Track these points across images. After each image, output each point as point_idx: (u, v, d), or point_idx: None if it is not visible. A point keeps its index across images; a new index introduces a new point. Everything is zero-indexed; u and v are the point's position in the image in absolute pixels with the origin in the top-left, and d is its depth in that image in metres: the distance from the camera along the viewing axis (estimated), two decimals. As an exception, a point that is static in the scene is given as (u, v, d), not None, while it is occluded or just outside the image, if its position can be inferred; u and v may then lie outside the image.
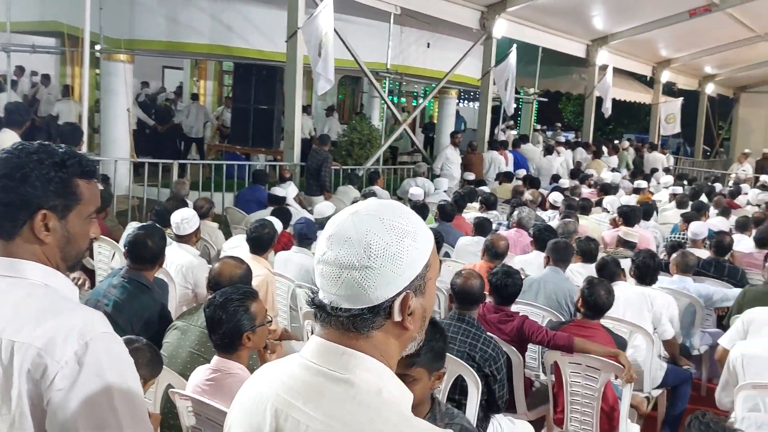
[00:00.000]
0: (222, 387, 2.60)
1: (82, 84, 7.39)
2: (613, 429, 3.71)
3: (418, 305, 1.22)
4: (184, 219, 4.75)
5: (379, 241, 1.16)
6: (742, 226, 7.53)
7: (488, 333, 3.56)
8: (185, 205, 5.60)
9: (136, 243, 3.58)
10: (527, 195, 8.86)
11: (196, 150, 13.44)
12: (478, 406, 3.28)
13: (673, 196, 10.05)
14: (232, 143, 11.85)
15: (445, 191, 9.89)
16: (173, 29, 11.12)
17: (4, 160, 1.45)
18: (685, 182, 13.10)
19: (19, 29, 12.25)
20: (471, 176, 11.21)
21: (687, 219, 7.39)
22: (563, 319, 4.35)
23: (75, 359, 1.36)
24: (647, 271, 4.70)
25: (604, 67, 15.83)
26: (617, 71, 16.62)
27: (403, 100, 18.91)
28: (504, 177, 11.08)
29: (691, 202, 9.04)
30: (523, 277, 4.41)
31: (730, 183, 14.36)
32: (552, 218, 7.66)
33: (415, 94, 21.16)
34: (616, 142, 18.45)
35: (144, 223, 4.40)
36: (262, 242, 4.62)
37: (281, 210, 6.40)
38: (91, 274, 5.12)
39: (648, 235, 7.02)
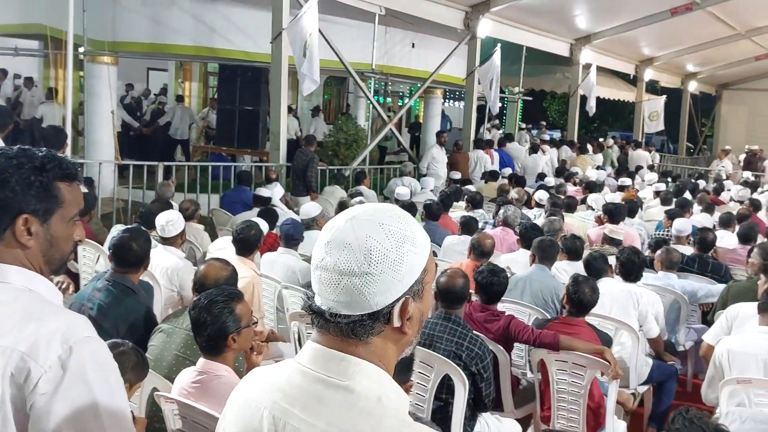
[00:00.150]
0: (208, 389, 2.59)
1: (66, 86, 7.34)
2: (599, 425, 3.73)
3: (416, 310, 1.21)
4: (169, 221, 4.72)
5: (379, 246, 1.15)
6: (726, 222, 7.59)
7: (474, 332, 3.57)
8: (170, 207, 5.58)
9: (121, 246, 3.56)
10: (513, 193, 8.89)
11: (181, 152, 13.39)
12: (465, 405, 3.30)
13: (657, 193, 10.13)
14: (218, 144, 11.82)
15: (431, 190, 9.90)
16: (157, 31, 11.06)
17: None
18: (669, 179, 13.19)
19: (2, 32, 12.15)
20: (457, 175, 11.25)
21: (671, 216, 7.45)
22: (549, 317, 4.38)
23: (59, 363, 1.35)
24: (632, 267, 4.74)
25: (587, 66, 15.92)
26: (601, 70, 16.73)
27: (389, 100, 18.92)
28: (490, 176, 11.13)
29: (675, 199, 9.11)
30: (509, 275, 4.43)
31: (713, 179, 14.49)
32: (538, 216, 7.70)
33: (400, 93, 21.17)
34: (601, 140, 18.57)
35: (129, 226, 4.38)
36: (248, 244, 4.61)
37: (267, 211, 6.38)
38: (75, 277, 5.09)
39: (633, 232, 7.07)
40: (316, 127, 14.74)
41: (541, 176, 11.68)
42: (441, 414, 3.40)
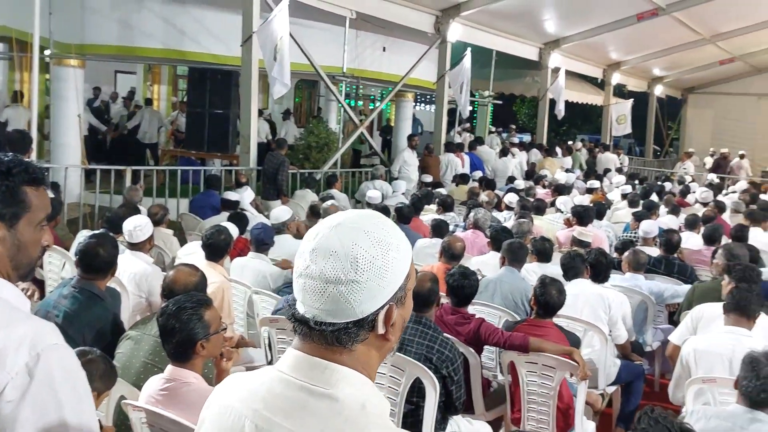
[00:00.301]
0: (176, 397, 2.56)
1: (32, 90, 7.20)
2: (569, 426, 3.77)
3: (398, 316, 1.22)
4: (137, 226, 4.66)
5: (366, 254, 1.15)
6: (691, 224, 7.74)
7: (445, 334, 3.59)
8: (138, 212, 5.50)
9: (88, 252, 3.50)
10: (483, 196, 8.95)
11: (150, 156, 13.23)
12: (436, 408, 3.31)
13: (624, 195, 10.27)
14: (187, 148, 11.69)
15: (403, 194, 9.92)
16: (126, 34, 10.94)
17: None
18: (636, 182, 13.39)
19: (-35, 35, 11.87)
20: (428, 178, 11.29)
21: (638, 218, 7.56)
22: (519, 319, 4.41)
23: (26, 370, 1.34)
24: (600, 268, 4.81)
25: (556, 70, 16.10)
26: (569, 74, 16.93)
27: (360, 103, 18.93)
28: (460, 179, 11.19)
29: (642, 201, 9.25)
30: (479, 277, 4.46)
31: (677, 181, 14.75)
32: (508, 219, 7.76)
33: (372, 97, 21.20)
34: (570, 143, 18.77)
35: (95, 231, 4.32)
36: (218, 248, 4.57)
37: (237, 215, 6.34)
38: (40, 284, 4.99)
39: (601, 234, 7.16)
40: (287, 131, 14.68)
41: (511, 179, 11.79)
42: (412, 417, 3.41)
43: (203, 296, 2.86)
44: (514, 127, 21.09)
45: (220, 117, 10.93)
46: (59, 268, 5.08)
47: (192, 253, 5.10)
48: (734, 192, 12.80)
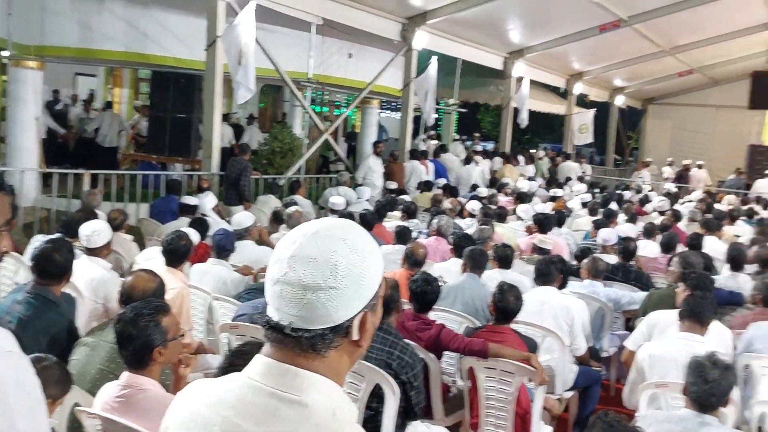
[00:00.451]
0: (133, 404, 2.53)
1: (-13, 91, 7.05)
2: (526, 431, 3.82)
3: (370, 323, 1.23)
4: (95, 231, 4.59)
5: (345, 261, 1.17)
6: (649, 232, 7.90)
7: (405, 340, 3.60)
8: (95, 216, 5.42)
9: (43, 257, 3.45)
10: (446, 203, 9.02)
11: (109, 160, 12.99)
12: (395, 414, 3.32)
13: (584, 204, 10.44)
14: (148, 152, 11.54)
15: (367, 200, 9.93)
16: (86, 36, 10.74)
17: None
18: (597, 190, 13.61)
19: None
20: (393, 185, 11.32)
21: (597, 226, 7.69)
22: (480, 325, 4.45)
23: None
24: (546, 270, 4.88)
25: (520, 79, 16.28)
26: (533, 83, 17.15)
27: (326, 109, 18.89)
28: (424, 186, 11.26)
29: (601, 210, 9.41)
30: (441, 284, 4.49)
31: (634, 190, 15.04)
32: (470, 226, 7.83)
33: (337, 103, 21.19)
34: (533, 151, 19.00)
35: (51, 236, 4.24)
36: (178, 254, 4.52)
37: (198, 221, 6.28)
38: (-6, 290, 4.88)
39: (561, 241, 7.28)
40: (250, 136, 14.58)
41: (474, 187, 11.90)
42: (372, 423, 3.41)
43: (161, 302, 2.84)
44: (477, 135, 21.27)
45: (183, 121, 10.81)
46: (13, 273, 4.97)
47: (151, 258, 5.04)
48: (691, 201, 13.12)
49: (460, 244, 5.65)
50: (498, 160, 15.51)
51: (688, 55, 17.72)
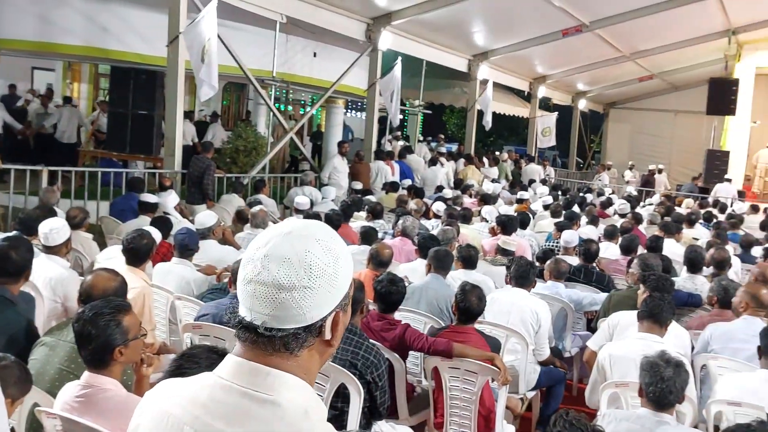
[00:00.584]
0: (93, 404, 2.49)
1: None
2: (490, 430, 3.85)
3: (341, 322, 1.25)
4: (53, 229, 4.49)
5: (318, 261, 1.17)
6: (610, 234, 8.03)
7: (370, 340, 3.60)
8: (54, 214, 5.30)
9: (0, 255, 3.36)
10: (412, 204, 9.04)
11: (68, 156, 12.72)
12: (360, 413, 3.32)
13: (547, 206, 10.57)
14: (109, 149, 11.31)
15: (332, 200, 9.90)
16: (44, 29, 10.52)
17: None
18: (559, 192, 13.80)
19: None
20: (358, 185, 11.30)
21: (560, 228, 7.78)
22: (444, 325, 4.47)
23: None
24: (525, 273, 4.94)
25: (484, 82, 16.44)
26: (497, 86, 17.33)
27: (290, 108, 18.79)
28: (390, 187, 11.27)
29: (564, 212, 9.53)
30: (407, 284, 4.50)
31: (596, 193, 15.29)
32: (435, 227, 7.85)
33: (302, 102, 21.09)
34: (497, 153, 19.18)
35: (8, 234, 4.13)
36: (139, 253, 4.45)
37: (161, 219, 6.18)
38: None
39: (524, 243, 7.35)
40: (214, 134, 14.41)
41: (440, 188, 11.95)
42: (336, 423, 3.40)
43: (122, 301, 2.79)
44: (442, 136, 21.37)
45: (144, 118, 10.62)
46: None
47: (112, 257, 4.95)
48: (651, 204, 13.38)
49: (425, 245, 5.66)
50: (462, 161, 15.61)
51: (648, 61, 18.11)
